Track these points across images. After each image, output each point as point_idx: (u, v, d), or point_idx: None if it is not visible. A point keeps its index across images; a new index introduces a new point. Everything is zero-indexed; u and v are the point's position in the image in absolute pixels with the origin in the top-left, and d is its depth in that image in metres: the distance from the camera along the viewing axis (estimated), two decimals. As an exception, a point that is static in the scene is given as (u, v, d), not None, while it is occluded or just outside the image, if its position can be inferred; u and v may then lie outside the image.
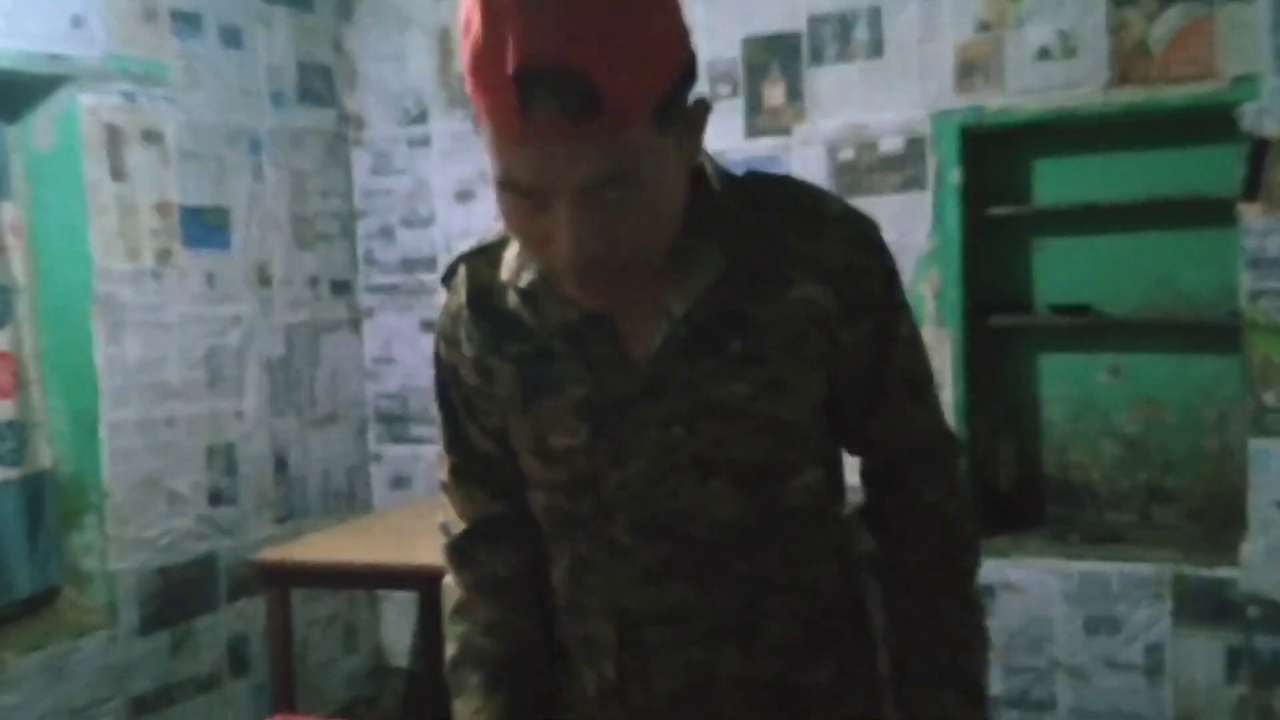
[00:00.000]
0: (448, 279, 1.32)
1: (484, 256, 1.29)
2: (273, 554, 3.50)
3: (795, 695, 1.30)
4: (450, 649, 1.45)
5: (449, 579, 1.46)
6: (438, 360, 1.36)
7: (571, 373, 1.21)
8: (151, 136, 3.50)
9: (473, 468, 1.39)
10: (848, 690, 1.32)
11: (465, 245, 1.32)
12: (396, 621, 4.28)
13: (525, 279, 1.21)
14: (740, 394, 1.18)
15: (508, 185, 1.04)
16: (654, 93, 1.02)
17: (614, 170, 1.01)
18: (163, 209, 3.51)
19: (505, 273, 1.24)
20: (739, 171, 1.25)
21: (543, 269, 1.17)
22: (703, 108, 1.11)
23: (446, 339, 1.32)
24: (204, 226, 3.64)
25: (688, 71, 1.07)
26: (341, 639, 4.14)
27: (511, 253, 1.24)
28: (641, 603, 1.26)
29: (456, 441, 1.39)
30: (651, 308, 1.18)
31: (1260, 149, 3.03)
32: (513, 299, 1.24)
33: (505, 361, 1.25)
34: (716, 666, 1.27)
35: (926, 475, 1.31)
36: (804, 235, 1.19)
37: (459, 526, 1.43)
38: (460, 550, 1.43)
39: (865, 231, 1.23)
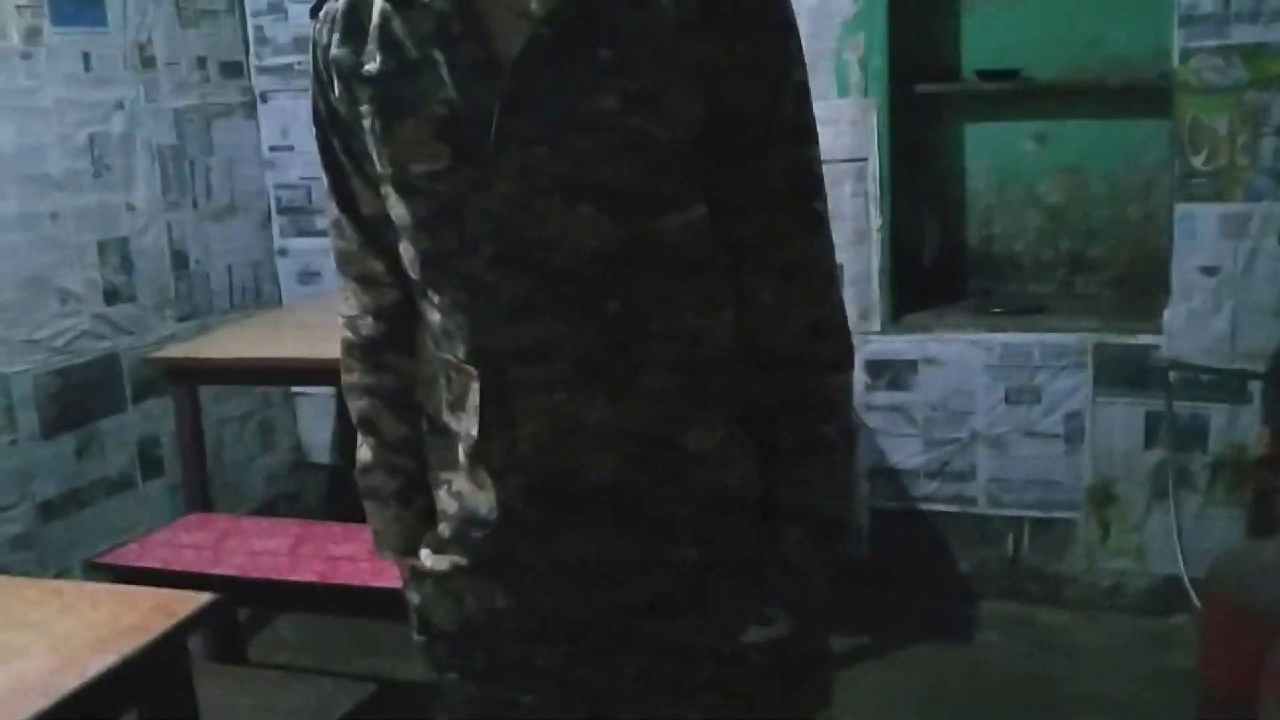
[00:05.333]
0: (317, 9, 1.23)
1: None
2: (177, 351, 3.37)
3: (672, 453, 1.22)
4: (362, 455, 1.40)
5: (351, 379, 1.39)
6: (315, 114, 1.27)
7: (434, 87, 1.14)
8: (6, -100, 3.17)
9: (366, 239, 1.32)
10: (732, 457, 1.25)
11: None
12: (314, 417, 4.19)
13: None
14: (608, 107, 1.10)
15: None
16: None
17: None
18: (26, -18, 3.21)
19: None
20: None
21: None
22: None
23: (318, 78, 1.24)
24: (75, 2, 3.34)
25: None
26: (258, 436, 4.05)
27: None
28: (505, 341, 1.19)
29: (346, 207, 1.32)
30: (519, 9, 1.10)
31: (1197, -103, 2.89)
32: (384, 9, 1.17)
33: (365, 83, 1.17)
34: (583, 413, 1.19)
35: (774, 274, 1.22)
36: None
37: (365, 323, 1.36)
38: (367, 352, 1.37)
39: None
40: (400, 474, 1.39)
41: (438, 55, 1.13)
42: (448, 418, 1.29)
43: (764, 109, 1.17)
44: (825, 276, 1.25)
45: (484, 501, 1.26)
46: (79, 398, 3.36)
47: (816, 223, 1.23)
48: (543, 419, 1.20)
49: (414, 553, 1.38)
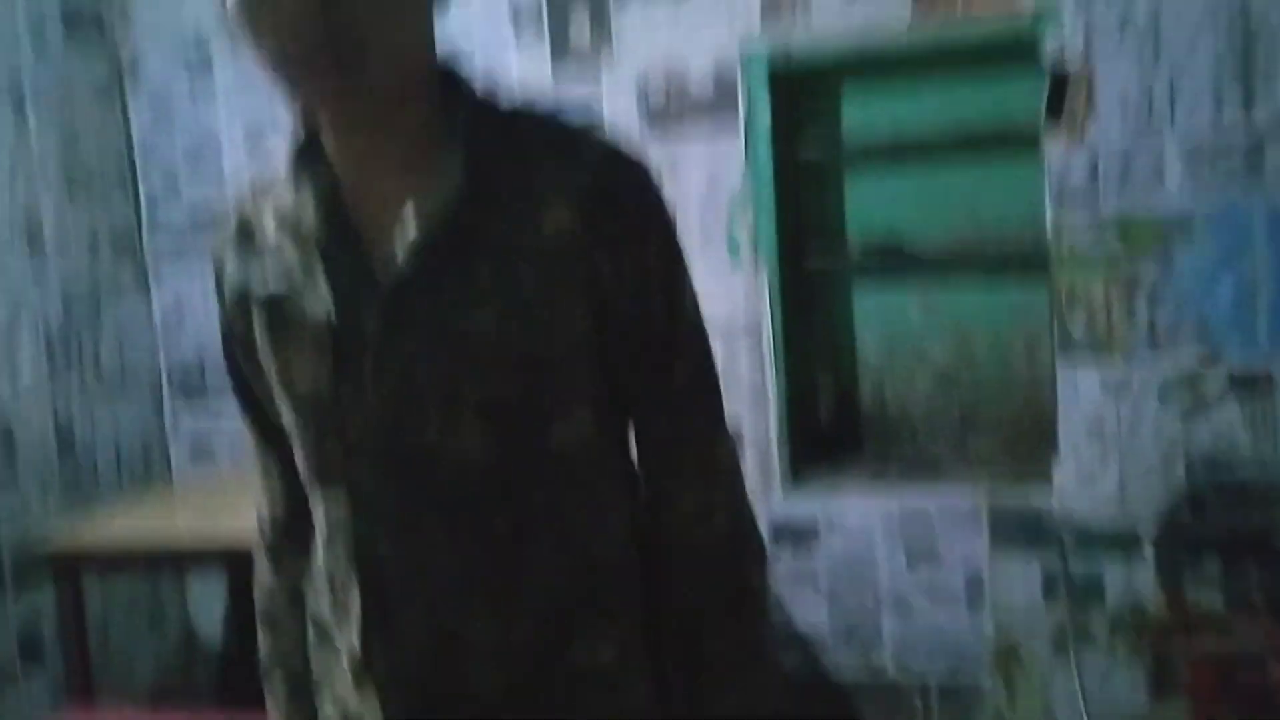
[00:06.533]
0: (217, 228, 1.29)
1: (250, 197, 1.26)
2: (61, 539, 3.25)
3: (562, 670, 1.19)
4: (262, 651, 1.40)
5: (257, 575, 1.40)
6: (220, 324, 1.30)
7: (316, 303, 1.15)
8: (-108, 87, 3.16)
9: (270, 443, 1.33)
10: (628, 675, 1.23)
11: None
12: (205, 597, 4.05)
13: (282, 203, 1.18)
14: (486, 321, 1.11)
15: None
16: None
17: None
18: (-90, 168, 3.18)
19: (268, 204, 1.21)
20: (505, 101, 1.20)
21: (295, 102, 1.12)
22: None
23: (218, 292, 1.27)
24: (-40, 186, 3.31)
25: None
26: (146, 619, 3.90)
27: (275, 186, 1.21)
28: (387, 553, 1.17)
29: (247, 412, 1.34)
30: (397, 228, 1.13)
31: (1061, 80, 3.06)
32: (272, 231, 1.21)
33: (255, 300, 1.20)
34: (468, 630, 1.16)
35: (693, 476, 1.23)
36: (558, 159, 1.14)
37: (267, 524, 1.38)
38: (269, 551, 1.38)
39: (624, 159, 1.17)
40: (293, 674, 1.37)
41: (319, 273, 1.15)
42: (330, 625, 1.26)
43: (659, 319, 1.19)
44: (735, 472, 1.27)
45: (369, 712, 1.22)
46: (-45, 591, 3.22)
47: (720, 419, 1.25)
48: (425, 633, 1.17)
49: None
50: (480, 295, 1.11)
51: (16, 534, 3.38)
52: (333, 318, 1.14)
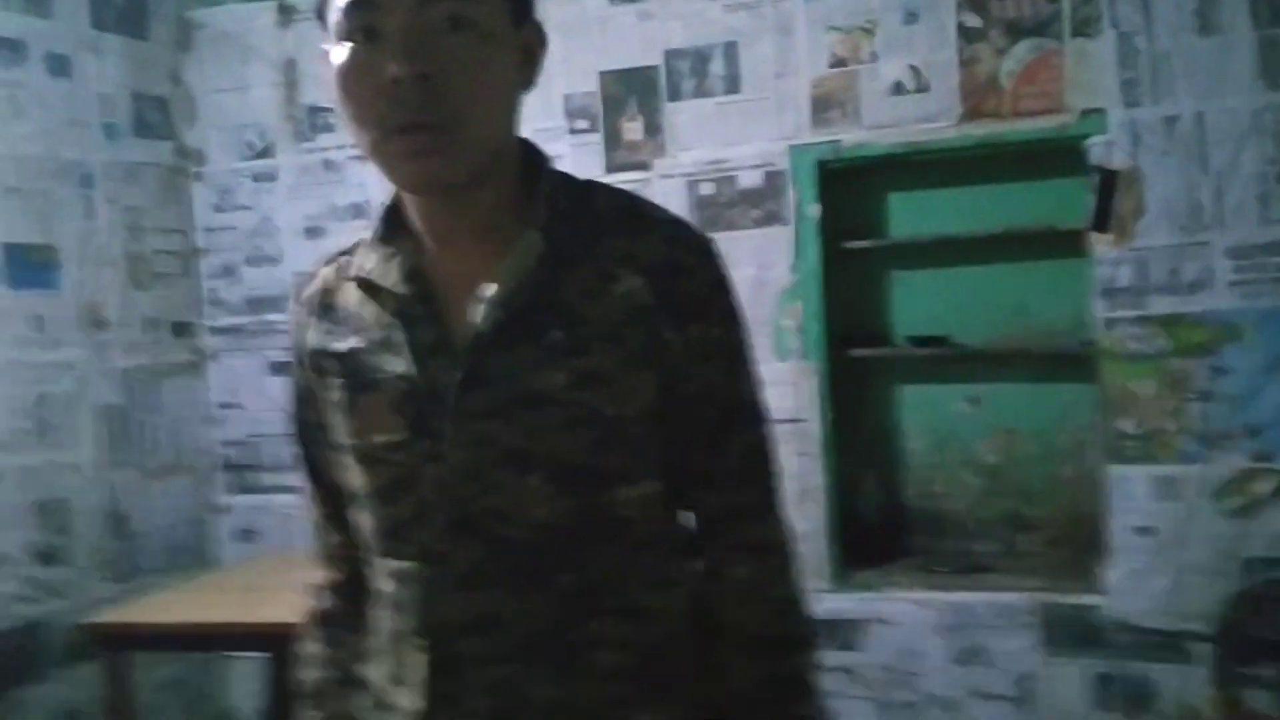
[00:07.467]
0: (299, 292, 1.32)
1: (334, 262, 1.30)
2: (110, 615, 3.27)
3: None
4: None
5: (308, 649, 1.39)
6: (292, 389, 1.33)
7: (395, 364, 1.19)
8: (-30, 171, 3.27)
9: (330, 511, 1.35)
10: None
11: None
12: (245, 682, 4.05)
13: (367, 267, 1.23)
14: (558, 383, 1.15)
15: (348, 13, 1.09)
16: None
17: None
18: (-17, 248, 3.28)
19: (351, 269, 1.25)
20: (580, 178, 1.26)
21: (380, 156, 1.14)
22: (542, 33, 1.20)
23: (296, 357, 1.30)
24: (29, 266, 3.41)
25: None
26: (187, 703, 3.90)
27: (358, 252, 1.26)
28: (454, 612, 1.19)
29: (315, 477, 1.36)
30: (477, 292, 1.17)
31: (1108, 181, 3.10)
32: (354, 295, 1.25)
33: (334, 359, 1.24)
34: (531, 688, 1.17)
35: (744, 551, 1.24)
36: (629, 232, 1.20)
37: (325, 596, 1.38)
38: (325, 624, 1.38)
39: (693, 235, 1.23)
40: None
41: (399, 335, 1.19)
42: (391, 692, 1.26)
43: (720, 391, 1.22)
44: (787, 554, 1.27)
45: None
46: (1, 665, 3.23)
47: (774, 501, 1.26)
48: (489, 693, 1.18)
49: None
50: (553, 357, 1.15)
51: (65, 611, 3.41)
52: (412, 374, 1.17)
